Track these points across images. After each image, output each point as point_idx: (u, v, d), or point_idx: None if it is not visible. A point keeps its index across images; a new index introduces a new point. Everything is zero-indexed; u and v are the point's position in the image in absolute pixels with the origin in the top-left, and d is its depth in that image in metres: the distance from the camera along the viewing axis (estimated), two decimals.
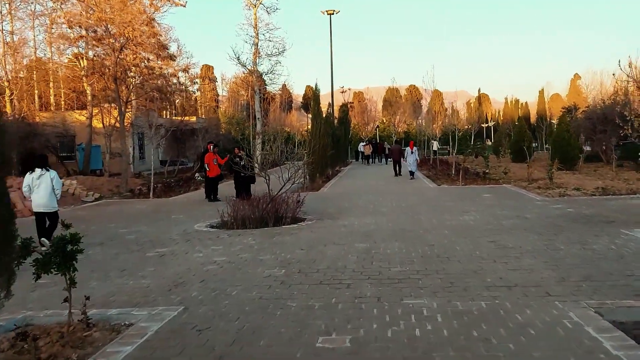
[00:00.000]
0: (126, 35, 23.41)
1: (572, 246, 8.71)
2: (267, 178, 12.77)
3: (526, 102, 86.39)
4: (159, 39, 28.04)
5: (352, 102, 74.16)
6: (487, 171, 26.17)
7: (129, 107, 27.73)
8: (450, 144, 33.36)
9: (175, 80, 32.36)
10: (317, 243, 9.80)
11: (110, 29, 23.78)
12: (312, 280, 7.15)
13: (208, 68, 71.03)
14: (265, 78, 39.52)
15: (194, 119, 44.41)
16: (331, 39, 44.15)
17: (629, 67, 23.02)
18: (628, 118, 21.66)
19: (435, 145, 42.83)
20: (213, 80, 70.65)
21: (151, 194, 20.43)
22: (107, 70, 24.94)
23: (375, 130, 67.41)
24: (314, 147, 21.62)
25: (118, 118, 25.07)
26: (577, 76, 77.01)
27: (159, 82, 28.90)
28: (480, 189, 19.33)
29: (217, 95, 72.35)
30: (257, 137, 33.82)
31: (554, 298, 5.93)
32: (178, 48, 32.48)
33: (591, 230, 10.11)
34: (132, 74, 26.34)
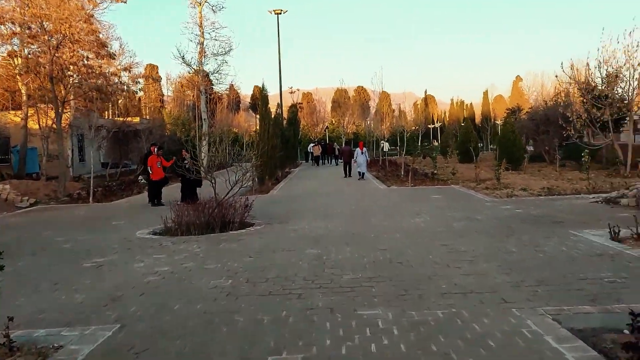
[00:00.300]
0: (63, 32, 22.31)
1: (524, 248, 8.65)
2: (213, 181, 12.27)
3: (471, 103, 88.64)
4: (99, 37, 26.92)
5: (301, 103, 74.01)
6: (435, 172, 26.42)
7: (67, 107, 26.48)
8: (399, 144, 33.59)
9: (116, 80, 31.11)
10: (266, 249, 9.41)
11: (45, 25, 22.62)
12: (260, 290, 6.76)
13: (152, 67, 69.28)
14: (211, 78, 38.82)
15: (137, 119, 43.06)
16: (279, 39, 43.73)
17: (571, 68, 23.69)
18: (570, 119, 22.25)
19: (385, 147, 43.09)
20: (157, 80, 68.93)
21: (91, 198, 19.50)
22: (43, 68, 23.72)
23: (325, 131, 67.54)
24: (263, 148, 21.20)
25: (55, 119, 23.88)
26: (519, 78, 79.46)
27: (98, 81, 27.69)
28: (429, 190, 19.37)
29: (162, 95, 70.69)
30: (203, 138, 33.04)
31: (510, 305, 5.75)
32: (120, 47, 31.17)
33: (540, 231, 10.12)
34: (69, 73, 25.16)
